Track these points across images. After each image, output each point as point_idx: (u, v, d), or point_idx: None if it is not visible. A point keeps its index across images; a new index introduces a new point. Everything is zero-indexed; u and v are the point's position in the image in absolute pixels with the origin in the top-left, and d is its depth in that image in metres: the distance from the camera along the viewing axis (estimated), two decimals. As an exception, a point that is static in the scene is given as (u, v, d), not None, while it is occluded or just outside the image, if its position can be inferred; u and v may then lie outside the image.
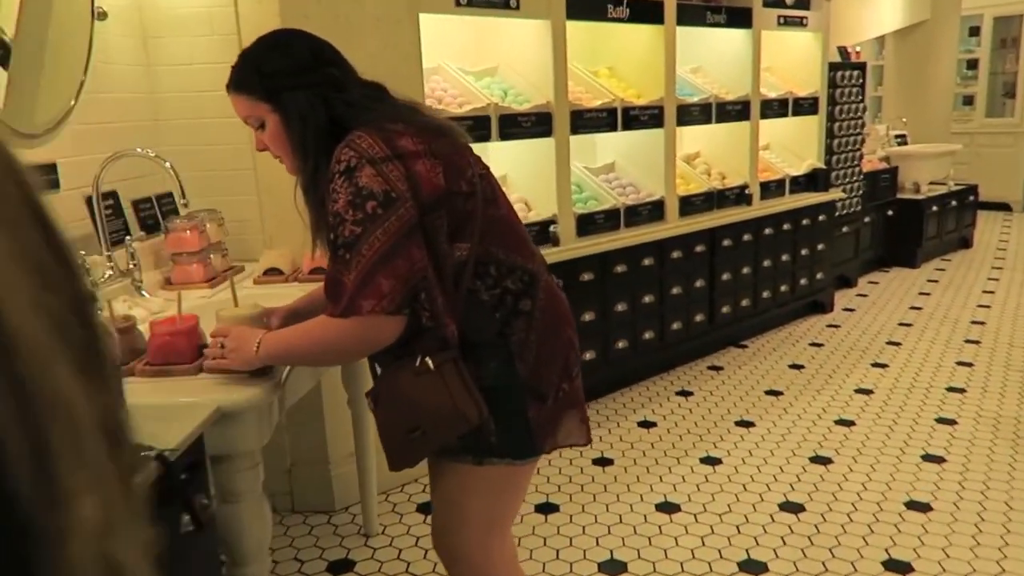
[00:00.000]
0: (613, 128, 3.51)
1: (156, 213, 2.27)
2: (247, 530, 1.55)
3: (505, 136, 3.09)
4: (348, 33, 2.52)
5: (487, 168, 1.52)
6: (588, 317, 3.40)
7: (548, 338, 1.46)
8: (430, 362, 1.37)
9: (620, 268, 3.50)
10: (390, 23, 2.64)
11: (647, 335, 3.69)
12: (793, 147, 4.77)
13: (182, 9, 2.33)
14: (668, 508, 2.66)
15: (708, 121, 3.97)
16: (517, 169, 3.45)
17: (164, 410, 1.33)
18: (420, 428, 1.38)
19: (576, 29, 3.35)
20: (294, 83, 1.38)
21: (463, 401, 1.36)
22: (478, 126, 2.99)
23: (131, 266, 2.01)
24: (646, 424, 3.33)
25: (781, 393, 3.61)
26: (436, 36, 3.08)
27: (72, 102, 1.97)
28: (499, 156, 3.48)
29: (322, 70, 1.39)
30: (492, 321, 1.41)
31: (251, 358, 1.41)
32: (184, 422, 1.27)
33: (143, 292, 2.04)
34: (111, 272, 1.94)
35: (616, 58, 3.83)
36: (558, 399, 1.47)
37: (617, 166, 3.92)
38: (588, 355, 3.44)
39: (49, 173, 1.92)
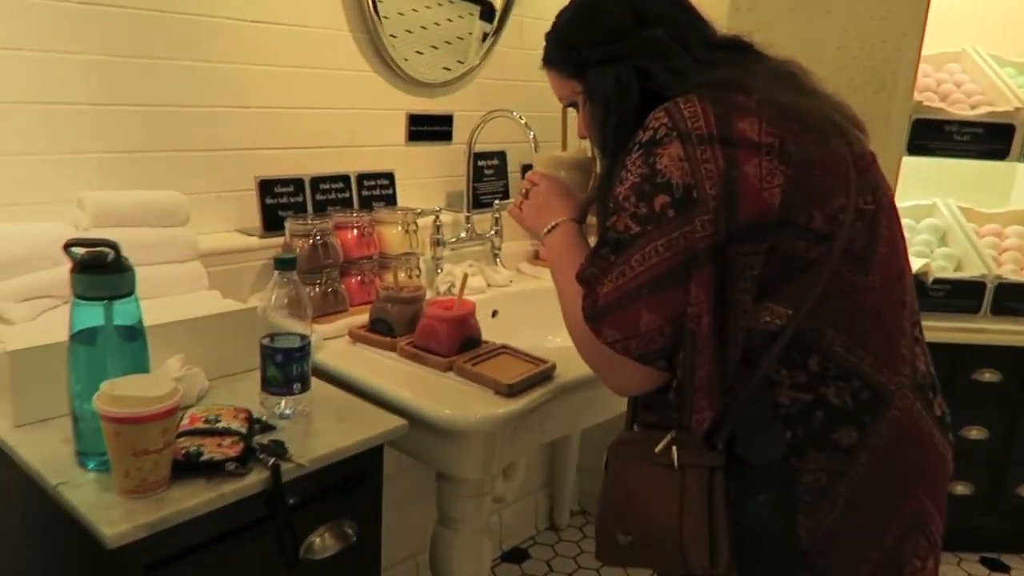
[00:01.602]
0: None
1: (548, 181, 2.14)
2: (455, 562, 1.32)
3: (1035, 157, 2.18)
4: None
5: (883, 204, 0.96)
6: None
7: (873, 499, 0.89)
8: (675, 454, 0.93)
9: None
10: (885, -13, 2.00)
11: None
12: None
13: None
14: None
15: None
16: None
17: (365, 412, 1.15)
18: (630, 534, 0.96)
19: None
20: (602, 55, 1.02)
21: (693, 534, 0.90)
22: (991, 136, 2.15)
23: (493, 231, 1.91)
24: None
25: None
26: (965, 12, 2.30)
27: (477, 60, 1.91)
28: (1026, 184, 2.52)
29: (643, 34, 1.00)
30: (778, 438, 0.90)
31: (538, 231, 1.15)
32: (368, 427, 1.08)
33: (498, 260, 1.93)
34: (465, 234, 1.86)
35: None
36: None
37: None
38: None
39: (443, 124, 1.90)
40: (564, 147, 1.29)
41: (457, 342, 1.33)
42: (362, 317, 1.48)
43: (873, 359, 0.91)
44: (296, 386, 1.06)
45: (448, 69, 1.84)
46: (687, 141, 0.91)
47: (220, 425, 0.96)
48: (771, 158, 0.90)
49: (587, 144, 1.18)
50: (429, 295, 1.58)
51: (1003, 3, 2.38)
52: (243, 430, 0.96)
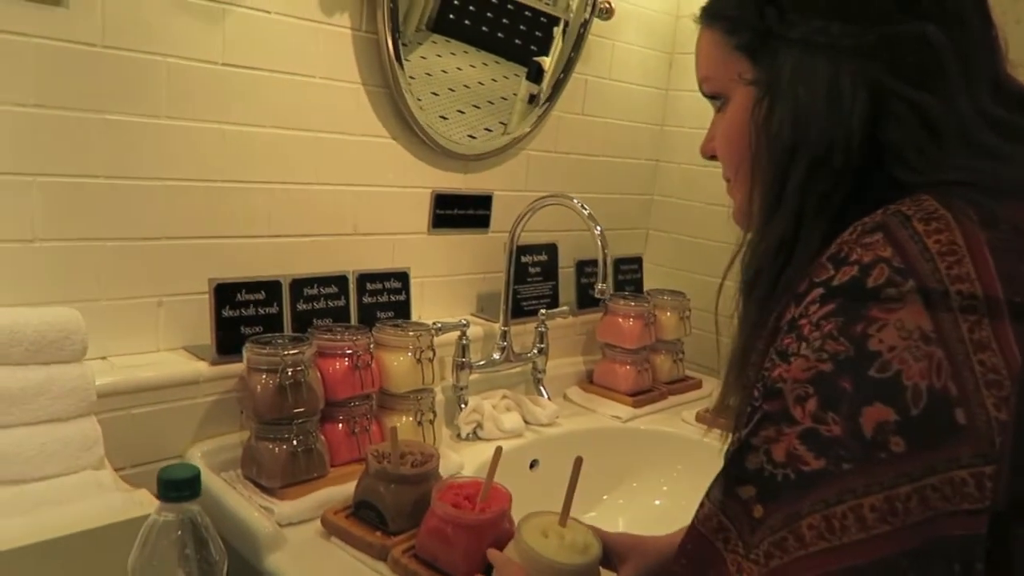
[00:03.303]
0: None
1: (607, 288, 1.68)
2: None
3: None
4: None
5: None
6: None
7: None
8: None
9: None
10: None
11: None
12: None
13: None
14: None
15: None
16: None
17: None
18: None
19: None
20: (818, 34, 0.57)
21: None
22: None
23: (536, 349, 1.46)
24: None
25: None
26: None
27: (528, 127, 1.48)
28: None
29: (906, 27, 0.55)
30: None
31: None
32: None
33: (541, 387, 1.47)
34: (499, 354, 1.40)
35: None
36: None
37: None
38: None
39: (480, 207, 1.47)
40: (564, 519, 0.81)
41: (480, 559, 0.86)
42: (346, 488, 1.02)
43: None
44: None
45: (489, 131, 1.42)
46: (938, 305, 0.47)
47: None
48: None
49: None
50: (450, 467, 1.11)
51: None
52: None
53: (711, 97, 0.68)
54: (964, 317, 0.46)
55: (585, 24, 1.49)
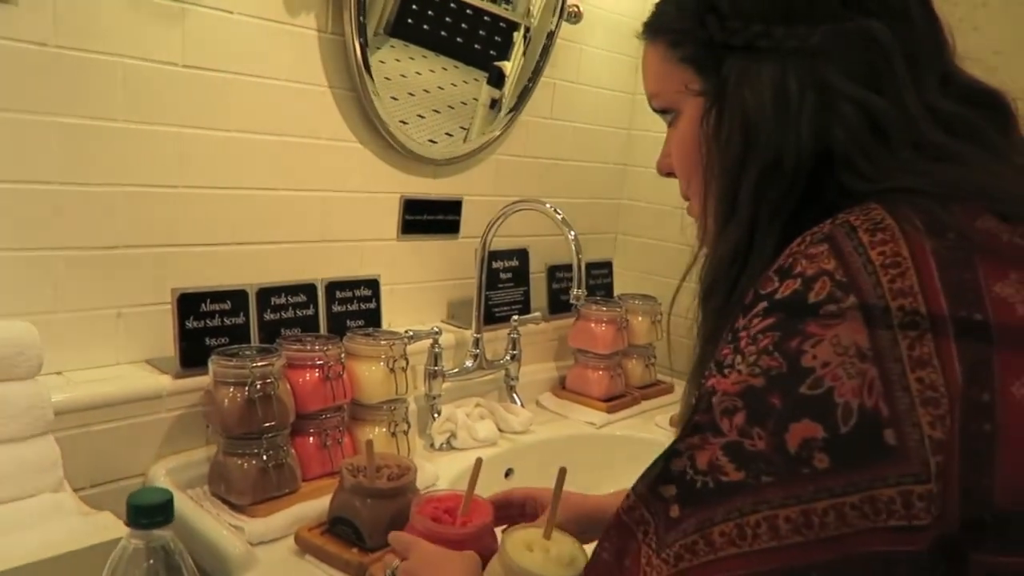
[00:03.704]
0: None
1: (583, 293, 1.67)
2: None
3: None
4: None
5: None
6: None
7: None
8: None
9: None
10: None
11: None
12: None
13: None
14: None
15: None
16: None
17: None
18: None
19: None
20: (760, 38, 0.56)
21: None
22: None
23: (508, 356, 1.43)
24: None
25: None
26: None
27: (498, 132, 1.47)
28: None
29: (850, 24, 0.55)
30: None
31: None
32: None
33: (514, 394, 1.45)
34: (471, 362, 1.37)
35: None
36: None
37: None
38: None
39: (450, 212, 1.44)
40: (548, 532, 0.79)
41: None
42: (319, 503, 0.99)
43: None
44: None
45: (450, 136, 1.39)
46: (878, 321, 0.46)
47: None
48: None
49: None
50: (424, 479, 1.08)
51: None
52: None
53: (662, 112, 0.67)
54: (904, 334, 0.45)
55: (552, 33, 1.48)
